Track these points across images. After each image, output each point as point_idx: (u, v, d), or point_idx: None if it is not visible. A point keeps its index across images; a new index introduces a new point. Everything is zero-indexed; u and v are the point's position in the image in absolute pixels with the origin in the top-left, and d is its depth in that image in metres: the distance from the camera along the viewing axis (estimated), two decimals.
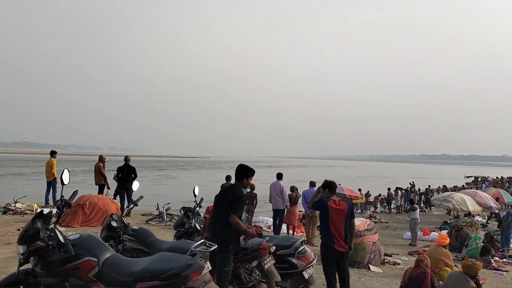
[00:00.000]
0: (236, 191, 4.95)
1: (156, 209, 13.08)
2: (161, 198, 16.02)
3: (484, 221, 20.82)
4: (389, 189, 28.10)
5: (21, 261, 3.65)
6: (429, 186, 33.12)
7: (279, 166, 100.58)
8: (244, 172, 5.07)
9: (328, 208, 5.37)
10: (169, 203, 13.29)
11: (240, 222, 4.85)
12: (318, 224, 12.84)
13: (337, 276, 5.51)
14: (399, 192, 27.80)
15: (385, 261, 9.81)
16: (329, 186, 5.61)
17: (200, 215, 7.12)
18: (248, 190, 13.33)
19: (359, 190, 26.67)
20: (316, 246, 11.22)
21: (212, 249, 4.15)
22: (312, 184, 12.14)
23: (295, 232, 13.29)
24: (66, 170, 4.31)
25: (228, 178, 13.51)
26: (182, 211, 7.40)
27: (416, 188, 32.10)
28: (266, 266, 5.39)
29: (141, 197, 6.70)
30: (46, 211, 3.86)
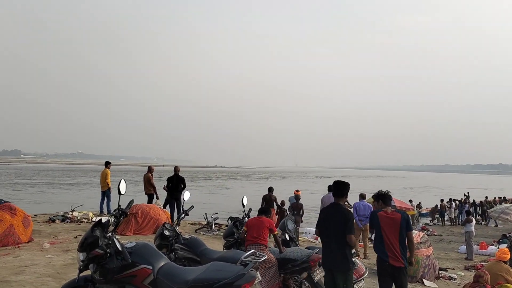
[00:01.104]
0: (344, 211, 4.87)
1: (205, 219, 13.28)
2: (209, 208, 16.25)
3: None
4: (442, 200, 26.94)
5: (81, 267, 3.81)
6: (486, 197, 31.42)
7: (327, 177, 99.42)
8: (347, 188, 4.97)
9: (379, 218, 5.05)
10: (217, 213, 13.46)
11: (355, 240, 4.93)
12: (370, 236, 12.58)
13: None
14: (453, 203, 26.57)
15: (440, 275, 9.39)
16: (382, 197, 5.26)
17: None
18: (294, 201, 13.26)
19: (410, 201, 25.75)
20: (369, 259, 10.94)
21: (262, 259, 4.16)
22: (362, 196, 11.87)
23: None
24: (123, 180, 4.48)
25: (270, 189, 13.55)
26: (230, 221, 7.47)
27: (471, 200, 30.56)
28: (316, 278, 5.33)
29: (192, 206, 6.84)
30: (104, 219, 4.02)
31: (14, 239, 8.60)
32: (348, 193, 5.10)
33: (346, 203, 5.19)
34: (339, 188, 4.98)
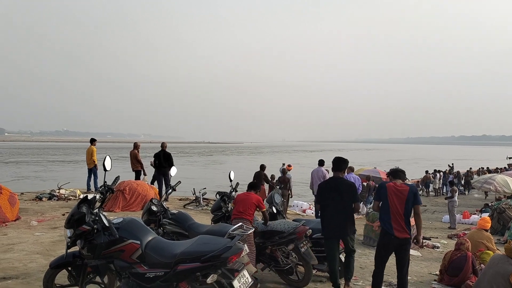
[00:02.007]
0: (349, 182, 5.42)
1: (193, 194, 13.35)
2: (198, 184, 16.30)
3: None
4: (426, 171, 27.40)
5: (69, 244, 3.85)
6: (470, 168, 32.03)
7: (315, 150, 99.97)
8: (345, 163, 5.52)
9: (387, 189, 4.97)
10: (205, 188, 13.52)
11: (359, 206, 5.40)
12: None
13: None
14: (438, 174, 27.07)
15: (424, 244, 9.65)
16: (393, 173, 5.30)
17: None
18: (281, 175, 13.38)
19: None
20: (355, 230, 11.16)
21: (250, 232, 4.21)
22: (351, 169, 11.95)
23: None
24: (108, 157, 4.46)
25: (262, 167, 13.58)
26: (218, 196, 7.52)
27: (455, 170, 31.16)
28: (303, 249, 5.43)
29: (179, 182, 6.86)
30: (90, 196, 4.03)
31: (0, 218, 8.55)
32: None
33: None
34: (339, 164, 5.48)
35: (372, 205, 10.61)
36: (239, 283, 3.57)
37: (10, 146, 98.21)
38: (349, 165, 12.00)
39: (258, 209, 5.72)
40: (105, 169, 4.37)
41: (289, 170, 13.38)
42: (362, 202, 17.24)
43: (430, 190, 27.00)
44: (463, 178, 29.00)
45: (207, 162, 53.08)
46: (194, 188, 13.39)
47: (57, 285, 4.19)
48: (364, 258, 7.70)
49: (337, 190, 5.24)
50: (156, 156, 12.61)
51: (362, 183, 12.74)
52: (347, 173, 11.77)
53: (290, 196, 13.33)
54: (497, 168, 33.15)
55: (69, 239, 3.81)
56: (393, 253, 5.02)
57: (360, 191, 11.89)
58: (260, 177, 13.28)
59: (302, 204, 15.76)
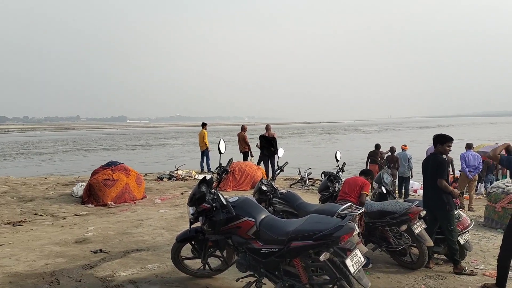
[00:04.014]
0: (437, 158, 5.43)
1: (298, 174, 13.53)
2: (303, 164, 16.44)
3: None
4: None
5: (192, 220, 4.22)
6: None
7: (430, 127, 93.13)
8: (443, 139, 5.48)
9: None
10: (310, 168, 13.61)
11: (447, 185, 5.27)
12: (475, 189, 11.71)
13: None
14: None
15: None
16: None
17: (342, 180, 7.18)
18: (389, 153, 12.86)
19: None
20: (474, 211, 10.38)
21: (360, 212, 4.19)
22: (469, 146, 11.06)
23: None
24: (222, 140, 4.77)
25: (377, 146, 13.25)
26: (323, 176, 7.54)
27: None
28: (416, 231, 5.23)
29: (287, 162, 7.03)
30: (208, 177, 4.36)
31: (130, 196, 9.65)
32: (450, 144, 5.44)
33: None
34: (434, 139, 5.56)
35: (494, 184, 9.68)
36: (352, 262, 3.60)
37: (131, 132, 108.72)
38: (467, 142, 11.17)
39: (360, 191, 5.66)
40: (220, 152, 4.68)
41: (404, 150, 12.75)
42: (482, 182, 15.79)
43: None
44: None
45: (322, 141, 52.67)
46: (299, 168, 13.55)
47: (183, 257, 4.65)
48: (486, 241, 7.14)
49: (427, 165, 5.51)
50: (262, 137, 12.99)
51: (483, 160, 11.63)
52: (466, 150, 10.90)
53: (410, 176, 12.73)
54: None
55: (192, 216, 4.17)
56: None
57: (479, 170, 10.95)
58: (374, 157, 13.05)
59: (413, 184, 14.98)
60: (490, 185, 11.39)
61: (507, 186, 8.60)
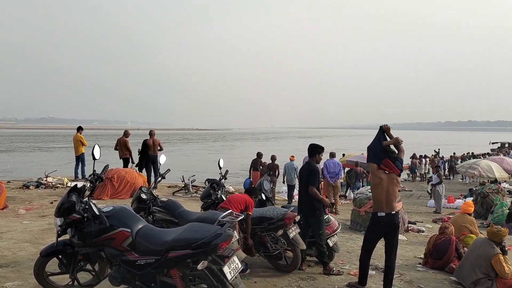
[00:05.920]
0: (309, 166, 5.86)
1: (182, 181, 13.36)
2: (187, 171, 16.29)
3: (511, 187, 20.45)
4: (412, 156, 27.74)
5: (59, 232, 3.86)
6: (454, 153, 32.54)
7: (306, 137, 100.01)
8: (315, 149, 5.95)
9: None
10: (194, 175, 13.55)
11: (317, 192, 5.67)
12: (340, 193, 13.02)
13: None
14: (423, 160, 27.45)
15: (409, 228, 9.85)
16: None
17: (225, 187, 7.24)
18: (270, 161, 13.47)
19: None
20: (339, 214, 11.38)
21: (240, 219, 4.26)
22: (332, 155, 12.45)
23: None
24: (97, 146, 4.46)
25: (259, 155, 13.72)
26: (207, 183, 7.54)
27: (440, 156, 31.64)
28: (291, 235, 5.52)
29: (168, 170, 6.86)
30: (80, 185, 4.03)
31: None
32: (321, 153, 6.00)
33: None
34: (309, 149, 6.03)
35: (359, 190, 10.82)
36: (229, 268, 3.64)
37: None
38: (330, 151, 12.43)
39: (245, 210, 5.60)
40: (94, 158, 4.37)
41: (292, 160, 13.53)
42: (349, 188, 17.45)
43: (416, 176, 27.40)
44: (447, 163, 29.53)
45: (220, 148, 52.51)
46: (183, 176, 13.40)
47: (48, 273, 4.21)
48: (351, 243, 7.86)
49: (301, 173, 6.01)
50: (145, 143, 12.54)
51: (351, 169, 13.04)
52: (329, 159, 12.19)
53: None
54: (483, 154, 33.76)
55: (59, 228, 3.82)
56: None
57: (340, 176, 12.31)
58: (257, 165, 13.47)
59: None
60: (356, 191, 12.70)
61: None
